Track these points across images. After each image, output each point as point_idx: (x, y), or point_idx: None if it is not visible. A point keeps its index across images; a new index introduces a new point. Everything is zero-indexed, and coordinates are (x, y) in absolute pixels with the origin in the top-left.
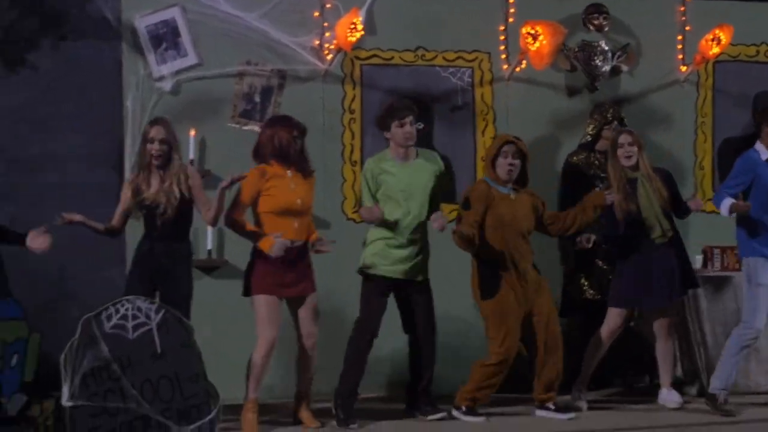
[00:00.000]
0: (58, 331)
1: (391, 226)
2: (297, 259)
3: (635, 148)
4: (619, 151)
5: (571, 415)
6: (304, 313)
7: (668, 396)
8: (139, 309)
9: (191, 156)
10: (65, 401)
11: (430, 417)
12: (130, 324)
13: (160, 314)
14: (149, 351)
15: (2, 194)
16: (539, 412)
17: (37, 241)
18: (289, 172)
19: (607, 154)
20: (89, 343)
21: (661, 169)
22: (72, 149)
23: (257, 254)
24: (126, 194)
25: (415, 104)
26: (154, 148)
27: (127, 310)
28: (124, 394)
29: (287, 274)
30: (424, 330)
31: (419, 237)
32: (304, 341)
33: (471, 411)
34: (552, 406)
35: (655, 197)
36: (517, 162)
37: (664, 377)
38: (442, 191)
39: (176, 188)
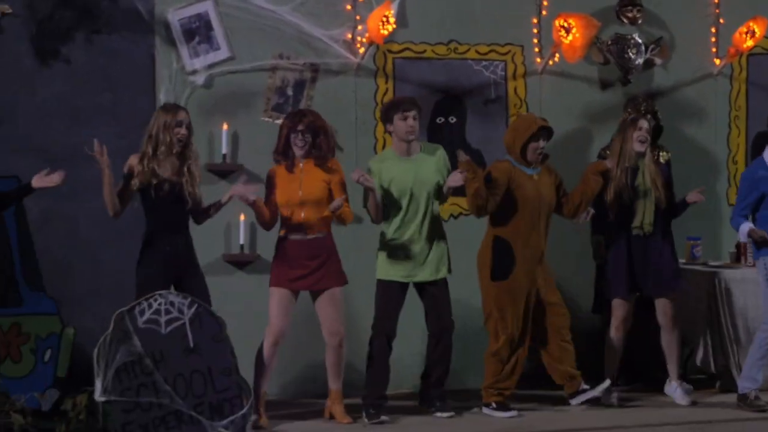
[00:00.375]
0: (91, 326)
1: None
2: (313, 252)
3: (649, 137)
4: (636, 133)
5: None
6: (322, 308)
7: (676, 390)
8: (172, 304)
9: (224, 150)
10: (98, 396)
11: (438, 414)
12: (163, 319)
13: (193, 309)
14: (182, 345)
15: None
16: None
17: (44, 180)
18: (301, 165)
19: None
20: (122, 338)
21: (662, 165)
22: (105, 142)
23: (275, 247)
24: (138, 169)
25: (448, 97)
26: (182, 132)
27: (160, 305)
28: (156, 388)
29: (300, 267)
30: (436, 326)
31: (430, 232)
32: (326, 339)
33: (502, 406)
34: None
35: (652, 188)
36: (544, 143)
37: (672, 369)
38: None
39: (196, 171)
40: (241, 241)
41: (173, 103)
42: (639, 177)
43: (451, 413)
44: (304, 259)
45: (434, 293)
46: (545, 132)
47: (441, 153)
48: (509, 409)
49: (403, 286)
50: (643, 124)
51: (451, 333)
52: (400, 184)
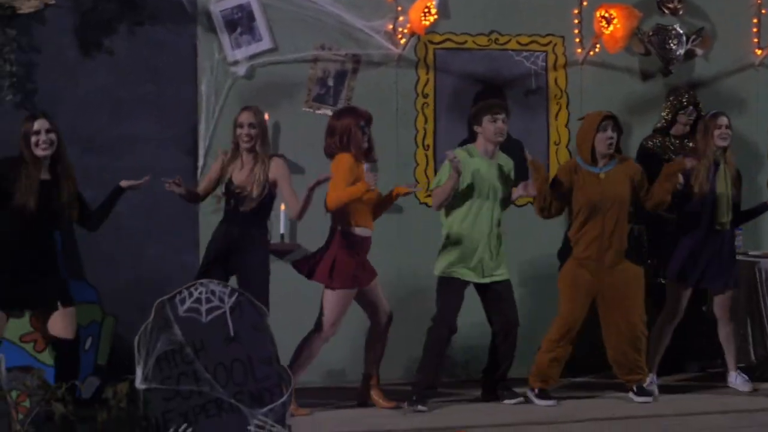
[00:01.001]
0: (132, 314)
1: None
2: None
3: (730, 132)
4: (717, 132)
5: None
6: (374, 293)
7: (736, 379)
8: (213, 292)
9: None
10: (139, 384)
11: (506, 401)
12: (203, 307)
13: (233, 298)
14: (222, 334)
15: (80, 178)
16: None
17: (132, 181)
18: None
19: (694, 134)
20: (163, 326)
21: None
22: (147, 133)
23: (333, 244)
24: (215, 166)
25: (489, 88)
26: (244, 132)
27: (200, 293)
28: (197, 377)
29: (364, 263)
30: (501, 324)
31: (493, 236)
32: (381, 320)
33: (543, 394)
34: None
35: (731, 186)
36: (616, 135)
37: (730, 361)
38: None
39: (261, 175)
40: (282, 231)
41: (249, 105)
42: (720, 172)
43: (520, 398)
44: (366, 255)
45: (501, 292)
46: (613, 123)
47: (510, 165)
48: (550, 398)
49: (465, 284)
50: (724, 120)
51: (517, 329)
52: (481, 180)
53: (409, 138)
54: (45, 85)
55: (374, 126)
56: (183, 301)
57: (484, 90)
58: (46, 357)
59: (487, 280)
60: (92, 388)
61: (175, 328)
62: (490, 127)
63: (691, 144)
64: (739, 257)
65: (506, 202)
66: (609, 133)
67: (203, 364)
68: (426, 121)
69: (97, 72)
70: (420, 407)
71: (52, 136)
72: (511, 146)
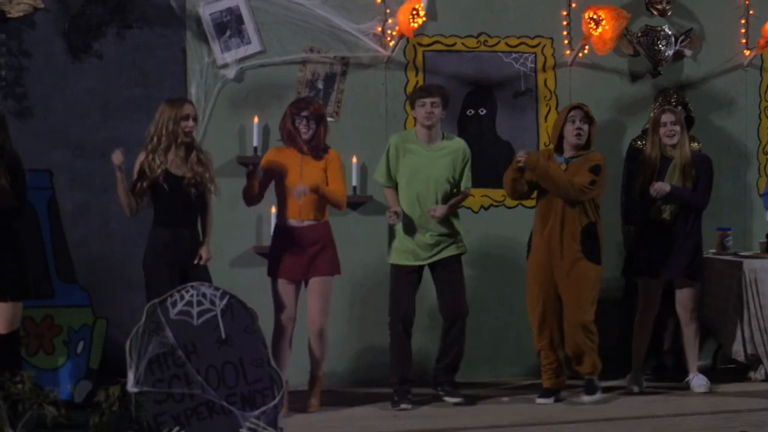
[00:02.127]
0: (124, 317)
1: (408, 219)
2: (307, 240)
3: (678, 128)
4: (662, 130)
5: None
6: (313, 297)
7: (695, 381)
8: (204, 295)
9: (255, 143)
10: (131, 387)
11: (447, 399)
12: (195, 310)
13: (225, 300)
14: (214, 337)
15: (70, 181)
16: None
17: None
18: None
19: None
20: (155, 329)
21: (702, 155)
22: (137, 136)
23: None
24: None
25: (478, 90)
26: (189, 125)
27: (192, 296)
28: (189, 379)
29: (298, 255)
30: (447, 309)
31: (441, 220)
32: (309, 326)
33: (543, 392)
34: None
35: (682, 181)
36: (586, 127)
37: (691, 362)
38: (461, 182)
39: (201, 167)
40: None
41: (179, 96)
42: (670, 168)
43: (460, 399)
44: (303, 246)
45: (446, 275)
46: (582, 114)
47: (459, 145)
48: (544, 396)
49: (414, 270)
50: (668, 118)
51: (464, 318)
52: (414, 167)
53: None
54: (35, 88)
55: (364, 128)
56: (174, 304)
57: (473, 92)
58: (38, 360)
59: (423, 262)
60: (84, 391)
61: (167, 331)
62: (420, 111)
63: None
64: (727, 257)
65: (455, 183)
66: (577, 123)
67: (195, 367)
68: (415, 123)
69: (87, 75)
70: (403, 405)
71: None
72: (499, 147)
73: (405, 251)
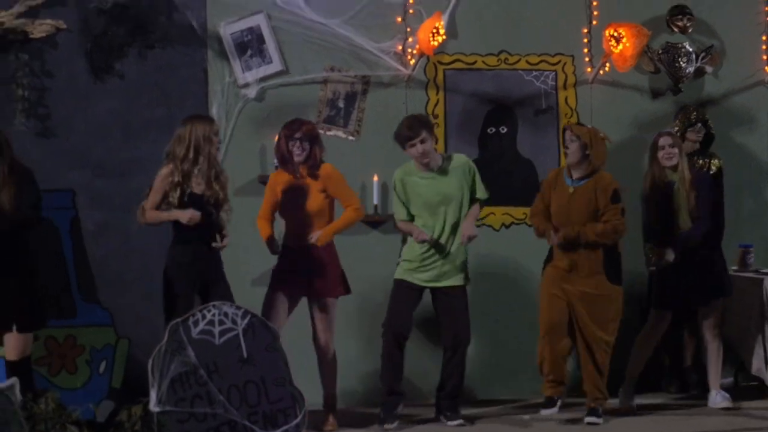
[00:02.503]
0: (146, 337)
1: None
2: (307, 259)
3: (676, 150)
4: (660, 153)
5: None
6: (315, 317)
7: (717, 397)
8: (226, 314)
9: (276, 162)
10: (153, 407)
11: (450, 423)
12: (216, 329)
13: (246, 319)
14: (236, 356)
15: (91, 201)
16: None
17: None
18: (296, 176)
19: (704, 150)
20: (177, 348)
21: (700, 174)
22: (159, 155)
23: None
24: (173, 183)
25: (499, 108)
26: (217, 141)
27: (213, 315)
28: (211, 399)
29: (299, 275)
30: (450, 337)
31: (450, 243)
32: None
33: (548, 401)
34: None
35: (685, 204)
36: (573, 145)
37: (713, 379)
38: (476, 194)
39: (219, 185)
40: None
41: (205, 115)
42: (676, 192)
43: (461, 421)
44: (304, 266)
45: (451, 302)
46: (569, 135)
47: (462, 161)
48: (547, 407)
49: (415, 288)
50: (665, 141)
51: (466, 346)
52: (418, 197)
53: None
54: (57, 109)
55: (385, 147)
56: (196, 323)
57: (494, 110)
58: (60, 379)
59: (429, 284)
60: (107, 411)
61: (189, 350)
62: (413, 152)
63: (700, 161)
64: (749, 274)
65: (470, 198)
66: (566, 143)
67: (217, 386)
68: (436, 142)
69: (109, 96)
70: (387, 426)
71: None
72: (521, 165)
73: (409, 270)
